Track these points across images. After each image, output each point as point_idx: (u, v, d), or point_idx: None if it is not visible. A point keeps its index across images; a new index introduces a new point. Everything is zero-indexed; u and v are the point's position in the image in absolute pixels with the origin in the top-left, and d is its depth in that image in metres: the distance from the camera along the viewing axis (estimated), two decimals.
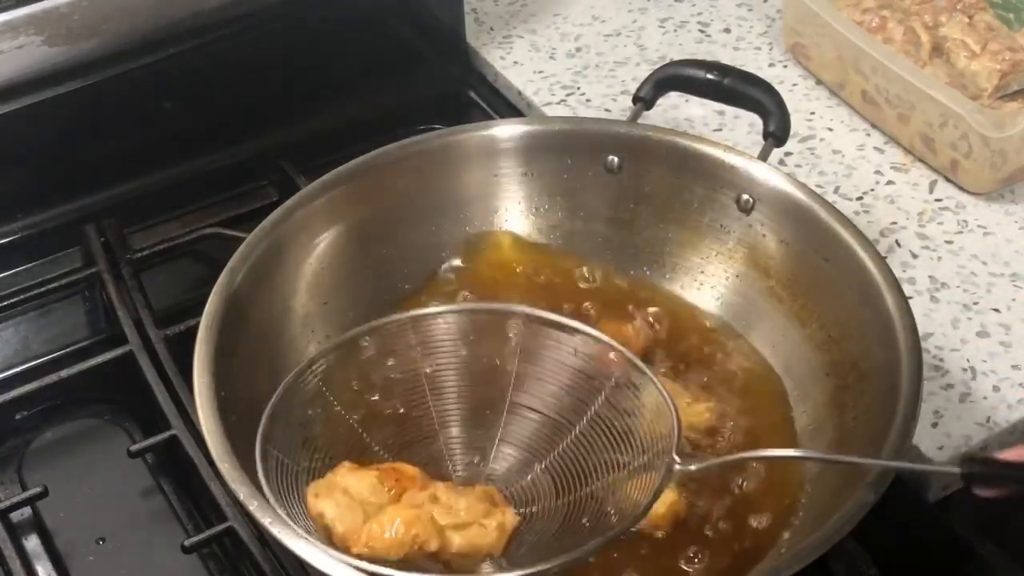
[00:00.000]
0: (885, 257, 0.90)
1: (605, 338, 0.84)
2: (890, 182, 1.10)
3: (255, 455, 0.76)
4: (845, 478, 0.77)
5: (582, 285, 0.98)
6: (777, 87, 0.99)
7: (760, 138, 0.98)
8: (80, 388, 0.95)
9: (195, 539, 0.84)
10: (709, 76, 1.00)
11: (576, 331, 0.85)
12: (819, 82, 1.20)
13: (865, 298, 0.86)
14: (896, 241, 1.04)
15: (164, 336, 0.95)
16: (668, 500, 0.80)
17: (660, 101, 1.03)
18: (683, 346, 0.93)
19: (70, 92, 1.04)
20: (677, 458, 0.77)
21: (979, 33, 1.12)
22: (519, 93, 1.21)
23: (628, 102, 1.06)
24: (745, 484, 0.84)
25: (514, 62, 1.24)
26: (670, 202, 0.97)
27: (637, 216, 0.99)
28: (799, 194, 0.92)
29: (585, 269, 0.98)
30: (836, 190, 1.09)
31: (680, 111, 1.16)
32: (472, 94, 1.24)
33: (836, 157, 1.12)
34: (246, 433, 0.79)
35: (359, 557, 0.72)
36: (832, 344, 0.89)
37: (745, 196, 0.94)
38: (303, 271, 0.93)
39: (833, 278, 0.89)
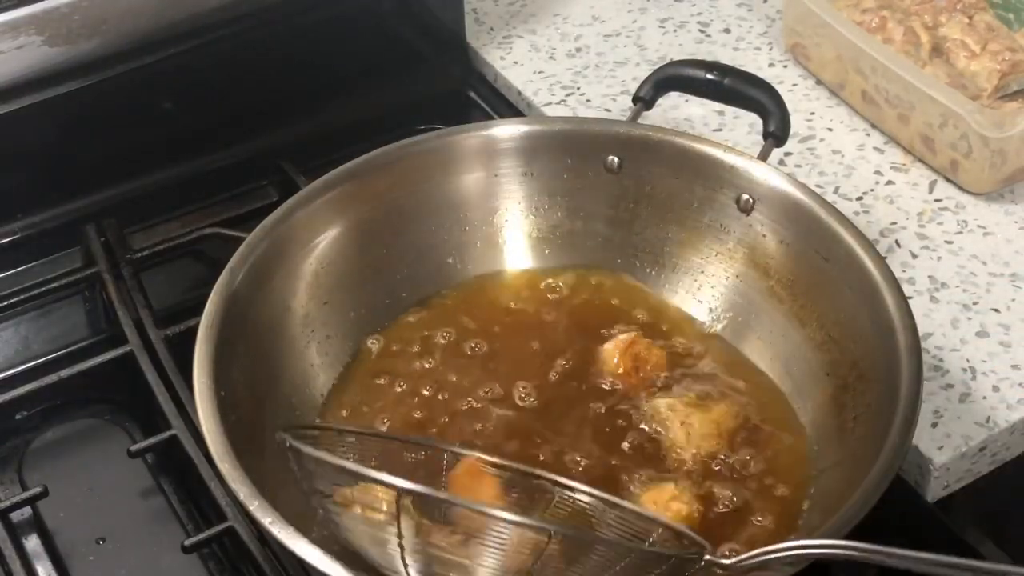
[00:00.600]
0: (885, 257, 0.90)
1: (653, 515, 0.78)
2: (890, 182, 1.10)
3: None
4: (847, 481, 0.77)
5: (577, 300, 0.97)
6: (777, 87, 0.99)
7: (760, 138, 0.98)
8: (80, 388, 0.95)
9: (195, 539, 0.84)
10: (709, 76, 1.00)
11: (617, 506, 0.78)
12: (819, 82, 1.20)
13: (865, 298, 0.86)
14: (896, 241, 1.04)
15: (164, 336, 0.95)
16: (683, 513, 0.80)
17: (660, 101, 1.03)
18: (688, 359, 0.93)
19: (70, 92, 1.04)
20: (708, 550, 0.72)
21: (979, 33, 1.12)
22: (519, 93, 1.21)
23: (628, 102, 1.06)
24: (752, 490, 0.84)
25: (514, 62, 1.24)
26: (670, 202, 0.97)
27: (637, 216, 0.99)
28: (799, 194, 0.92)
29: (561, 280, 0.98)
30: (836, 190, 1.09)
31: (680, 111, 1.16)
32: (472, 94, 1.24)
33: (836, 157, 1.12)
34: (246, 433, 0.80)
35: None
36: (832, 344, 0.89)
37: (745, 196, 0.94)
38: (303, 271, 0.93)
39: (833, 278, 0.89)
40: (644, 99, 1.02)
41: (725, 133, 1.14)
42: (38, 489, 0.88)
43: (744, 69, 1.01)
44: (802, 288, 0.92)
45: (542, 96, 1.20)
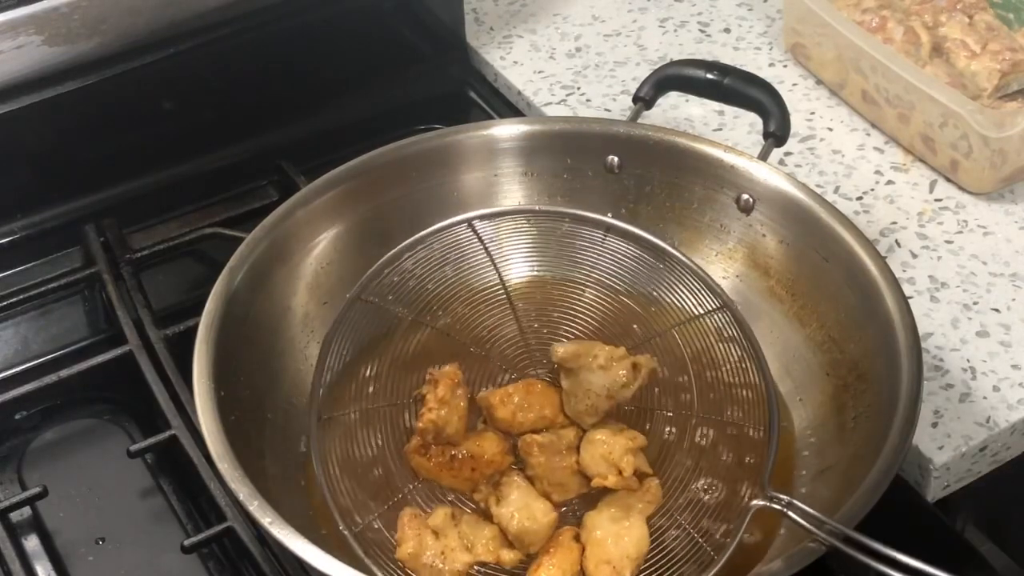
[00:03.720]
0: (885, 257, 0.90)
1: None
2: (890, 182, 1.10)
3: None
4: (847, 481, 0.77)
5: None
6: (777, 87, 0.99)
7: (760, 138, 0.98)
8: (80, 388, 0.96)
9: (195, 539, 0.84)
10: (709, 76, 1.00)
11: None
12: (819, 82, 1.20)
13: (865, 298, 0.86)
14: (896, 241, 1.04)
15: (164, 336, 0.95)
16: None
17: (660, 101, 1.03)
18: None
19: (70, 92, 1.04)
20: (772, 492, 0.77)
21: (979, 33, 1.12)
22: (519, 93, 1.21)
23: (628, 102, 1.06)
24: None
25: (514, 62, 1.24)
26: (670, 202, 0.97)
27: (637, 216, 0.98)
28: (799, 194, 0.92)
29: None
30: (836, 190, 1.09)
31: (680, 111, 1.16)
32: (472, 94, 1.24)
33: (836, 157, 1.12)
34: (246, 433, 0.80)
35: None
36: (832, 344, 0.89)
37: (745, 196, 0.94)
38: (303, 271, 0.93)
39: (833, 278, 0.89)
40: (644, 99, 1.02)
41: (725, 133, 1.14)
42: (38, 489, 0.88)
43: (744, 69, 1.01)
44: (802, 288, 0.92)
45: (542, 96, 1.20)
